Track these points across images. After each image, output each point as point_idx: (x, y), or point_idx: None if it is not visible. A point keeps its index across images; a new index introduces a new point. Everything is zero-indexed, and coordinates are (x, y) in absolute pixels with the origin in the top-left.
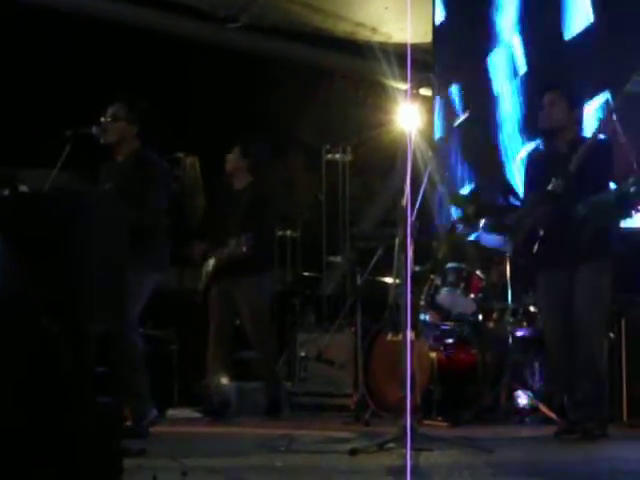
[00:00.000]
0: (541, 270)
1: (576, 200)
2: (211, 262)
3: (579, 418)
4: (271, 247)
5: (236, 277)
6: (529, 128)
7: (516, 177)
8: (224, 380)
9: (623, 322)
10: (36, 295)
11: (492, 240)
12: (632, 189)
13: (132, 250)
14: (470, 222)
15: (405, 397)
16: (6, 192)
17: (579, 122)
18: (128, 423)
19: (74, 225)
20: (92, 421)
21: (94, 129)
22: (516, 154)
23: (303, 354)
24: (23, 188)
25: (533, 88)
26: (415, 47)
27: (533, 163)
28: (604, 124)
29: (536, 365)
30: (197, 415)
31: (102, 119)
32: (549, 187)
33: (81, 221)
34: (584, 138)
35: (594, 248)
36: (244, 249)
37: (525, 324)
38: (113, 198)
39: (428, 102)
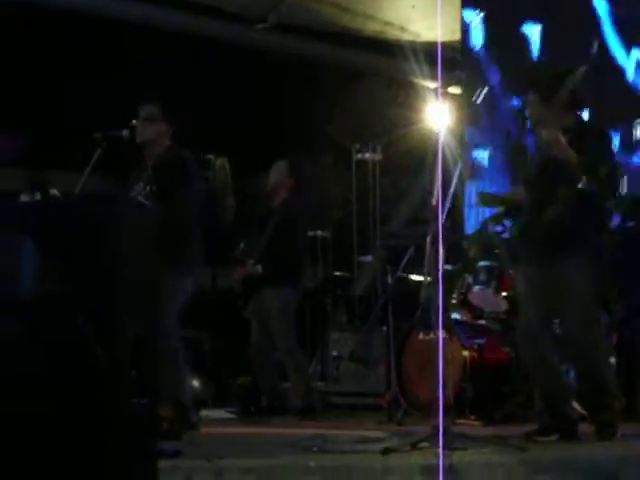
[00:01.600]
0: (521, 265)
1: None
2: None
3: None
4: (296, 264)
5: (262, 291)
6: None
7: None
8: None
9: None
10: (71, 297)
11: None
12: None
13: (166, 252)
14: (500, 222)
15: (437, 396)
16: (37, 196)
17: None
18: (164, 425)
19: (106, 228)
20: (127, 422)
21: (124, 132)
22: None
23: (335, 353)
24: (54, 192)
25: None
26: (444, 45)
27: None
28: None
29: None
30: (231, 416)
31: (135, 121)
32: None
33: (113, 224)
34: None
35: (570, 245)
36: (259, 270)
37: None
38: (144, 201)
39: (457, 100)
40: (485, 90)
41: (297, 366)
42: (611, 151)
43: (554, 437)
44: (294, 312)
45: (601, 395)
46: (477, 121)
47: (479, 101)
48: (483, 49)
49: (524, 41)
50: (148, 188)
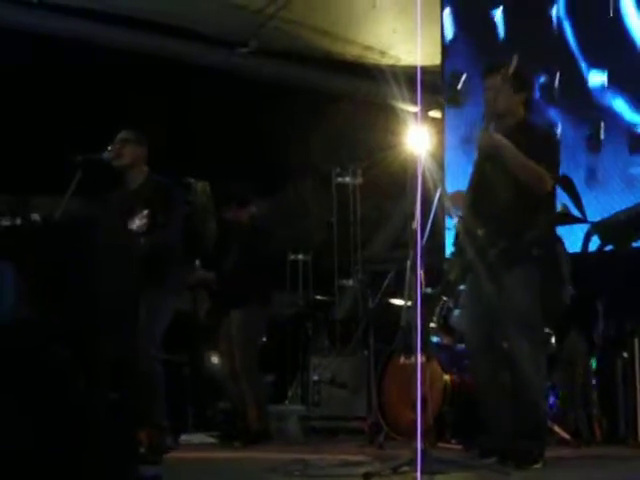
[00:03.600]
0: (469, 276)
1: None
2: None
3: (513, 445)
4: (262, 283)
5: (227, 309)
6: None
7: None
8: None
9: (636, 341)
10: (48, 322)
11: None
12: None
13: (153, 274)
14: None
15: (417, 420)
16: (18, 220)
17: (527, 105)
18: (142, 449)
19: (86, 253)
20: (106, 446)
21: (104, 155)
22: None
23: (316, 378)
24: (35, 216)
25: None
26: (424, 69)
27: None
28: None
29: (550, 385)
30: (211, 440)
31: (111, 145)
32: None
33: (92, 249)
34: (531, 124)
35: (514, 254)
36: (211, 276)
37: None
38: (123, 226)
39: (438, 124)
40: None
41: (253, 389)
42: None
43: (493, 459)
44: (259, 334)
45: (533, 417)
46: (457, 101)
47: (460, 86)
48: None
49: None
50: (145, 226)
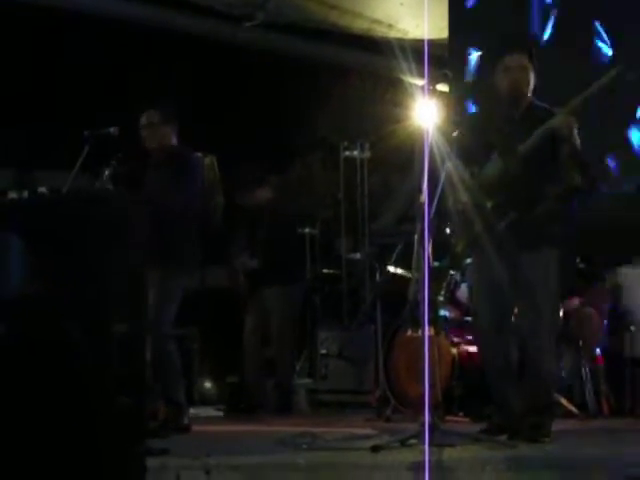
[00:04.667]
0: (478, 252)
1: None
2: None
3: (519, 420)
4: (296, 262)
5: (263, 291)
6: None
7: None
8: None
9: None
10: (57, 297)
11: None
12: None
13: (162, 251)
14: None
15: (425, 393)
16: (25, 194)
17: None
18: (156, 424)
19: (94, 227)
20: (114, 420)
21: (112, 129)
22: None
23: (324, 351)
24: (42, 190)
25: None
26: (432, 43)
27: (474, 129)
28: None
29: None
30: (218, 413)
31: (141, 128)
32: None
33: (101, 222)
34: (537, 106)
35: (538, 238)
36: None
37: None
38: (134, 199)
39: (445, 97)
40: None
41: (285, 364)
42: None
43: (503, 437)
44: (296, 310)
45: (543, 393)
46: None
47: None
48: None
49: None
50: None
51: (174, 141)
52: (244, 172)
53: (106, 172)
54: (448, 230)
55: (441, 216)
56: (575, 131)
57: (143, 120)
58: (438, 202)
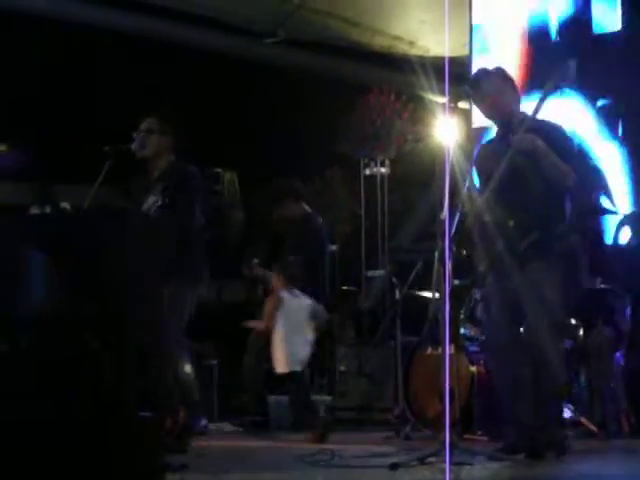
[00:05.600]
0: (498, 270)
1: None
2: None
3: (532, 438)
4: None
5: None
6: None
7: None
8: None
9: None
10: (78, 310)
11: None
12: None
13: (173, 265)
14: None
15: (445, 411)
16: (48, 209)
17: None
18: (169, 438)
19: (115, 241)
20: (133, 436)
21: (133, 145)
22: None
23: (343, 368)
24: (64, 205)
25: None
26: (453, 60)
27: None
28: None
29: (579, 378)
30: (237, 429)
31: (135, 134)
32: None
33: (121, 237)
34: (539, 121)
35: (536, 248)
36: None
37: (567, 337)
38: (154, 215)
39: (466, 115)
40: None
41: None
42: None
43: (521, 455)
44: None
45: (557, 409)
46: None
47: None
48: None
49: None
50: (159, 202)
51: (171, 155)
52: (279, 188)
53: (150, 200)
54: (464, 252)
55: (461, 235)
56: (539, 141)
57: (142, 126)
58: (459, 221)
